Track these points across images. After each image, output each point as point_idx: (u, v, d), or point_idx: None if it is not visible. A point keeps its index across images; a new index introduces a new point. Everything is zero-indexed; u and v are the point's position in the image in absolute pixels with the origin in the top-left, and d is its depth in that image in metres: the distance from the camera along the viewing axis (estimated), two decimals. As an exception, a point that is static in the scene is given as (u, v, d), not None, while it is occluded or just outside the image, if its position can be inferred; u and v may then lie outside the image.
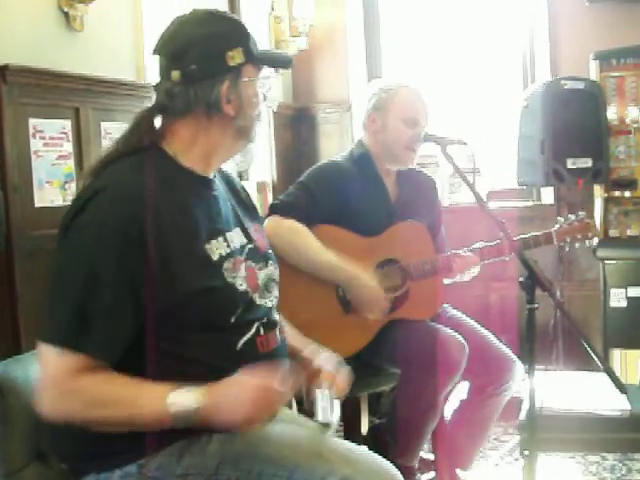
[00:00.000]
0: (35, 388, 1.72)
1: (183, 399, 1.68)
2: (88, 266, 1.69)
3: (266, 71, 1.97)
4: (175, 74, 1.85)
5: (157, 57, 1.91)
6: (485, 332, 3.11)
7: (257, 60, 1.91)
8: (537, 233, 3.07)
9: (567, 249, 3.19)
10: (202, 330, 1.77)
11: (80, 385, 1.68)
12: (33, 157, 2.73)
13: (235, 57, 1.86)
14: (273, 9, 4.70)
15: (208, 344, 1.76)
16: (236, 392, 1.72)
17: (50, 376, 1.69)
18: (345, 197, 2.96)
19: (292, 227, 2.86)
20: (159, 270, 1.72)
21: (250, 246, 1.97)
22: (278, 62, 2.05)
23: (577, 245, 3.11)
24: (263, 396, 1.72)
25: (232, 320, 1.82)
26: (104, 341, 1.71)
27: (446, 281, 3.08)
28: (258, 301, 1.92)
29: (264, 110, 2.02)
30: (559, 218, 3.13)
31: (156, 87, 1.92)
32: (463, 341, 2.88)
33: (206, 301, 1.78)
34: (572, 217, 3.10)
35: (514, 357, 3.03)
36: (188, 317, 1.76)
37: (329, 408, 1.88)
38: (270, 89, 2.01)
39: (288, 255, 2.73)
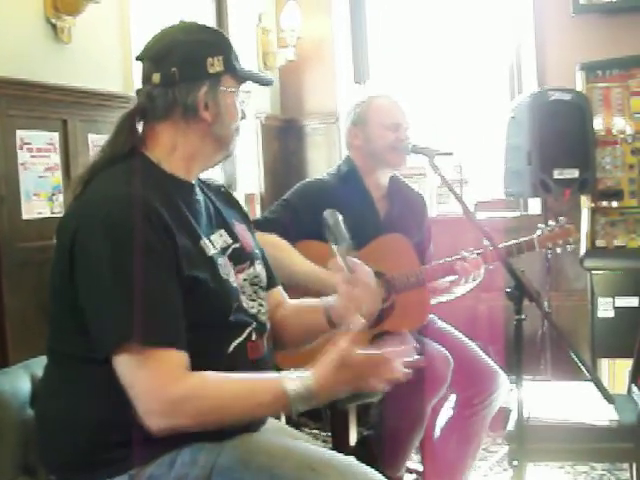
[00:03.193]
0: (139, 408, 1.66)
1: (297, 384, 1.70)
2: (128, 266, 1.68)
3: (246, 86, 1.99)
4: (156, 77, 1.88)
5: (141, 63, 1.94)
6: (471, 344, 3.12)
7: (236, 72, 1.95)
8: (519, 240, 3.08)
9: (549, 255, 3.20)
10: (198, 327, 1.76)
11: (186, 392, 1.67)
12: (20, 169, 2.72)
13: (215, 65, 1.89)
14: (261, 20, 4.72)
15: (200, 344, 1.74)
16: (346, 371, 1.73)
17: (151, 387, 1.65)
18: None
19: (274, 242, 2.86)
20: (173, 259, 1.74)
21: (235, 246, 1.99)
22: (257, 78, 2.08)
23: (559, 250, 3.13)
24: (374, 367, 1.75)
25: (230, 317, 1.84)
26: (180, 330, 1.71)
27: (442, 298, 3.09)
28: (245, 304, 1.93)
29: (244, 125, 2.04)
30: (540, 225, 3.14)
31: (138, 91, 1.95)
32: (448, 355, 2.89)
33: (207, 295, 1.79)
34: (553, 224, 3.12)
35: (498, 369, 3.04)
36: (189, 313, 1.76)
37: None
38: (247, 106, 2.05)
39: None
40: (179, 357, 1.69)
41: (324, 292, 2.85)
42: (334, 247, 2.00)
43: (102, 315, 1.69)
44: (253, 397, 1.72)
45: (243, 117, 2.00)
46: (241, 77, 1.97)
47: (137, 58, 1.95)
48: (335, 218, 2.04)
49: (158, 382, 1.66)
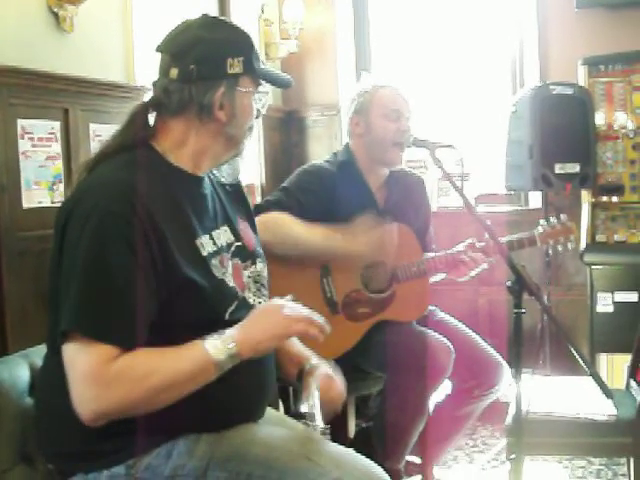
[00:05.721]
0: (73, 395, 1.66)
1: (219, 344, 1.72)
2: (101, 257, 1.68)
3: (264, 87, 1.99)
4: (173, 72, 1.87)
5: (160, 54, 1.93)
6: (473, 335, 3.12)
7: (256, 74, 1.94)
8: (521, 236, 3.08)
9: (550, 251, 3.21)
10: (195, 327, 1.76)
11: (118, 367, 1.65)
12: (21, 158, 2.72)
13: (234, 65, 1.88)
14: (263, 12, 4.70)
15: None
16: (262, 314, 1.83)
17: (86, 373, 1.65)
18: (328, 201, 2.97)
19: (275, 217, 2.86)
20: (159, 258, 1.73)
21: (238, 244, 1.99)
22: (277, 81, 2.05)
23: (560, 248, 3.13)
24: (289, 308, 1.84)
25: (226, 317, 1.83)
26: (131, 329, 1.69)
27: (437, 277, 3.11)
28: (252, 300, 1.93)
29: (256, 125, 2.03)
30: (541, 221, 3.14)
31: (154, 83, 1.94)
32: (450, 345, 2.89)
33: (198, 295, 1.78)
34: (554, 220, 3.12)
35: (501, 360, 3.04)
36: (181, 312, 1.76)
37: (315, 407, 1.87)
38: (265, 106, 2.02)
39: (275, 247, 2.71)
40: (119, 352, 1.68)
41: (332, 257, 2.87)
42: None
43: (65, 298, 1.70)
44: (179, 357, 1.71)
45: (258, 116, 2.00)
46: (260, 77, 1.96)
47: (157, 49, 1.94)
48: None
49: (91, 371, 1.64)
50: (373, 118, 3.05)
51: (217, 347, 1.71)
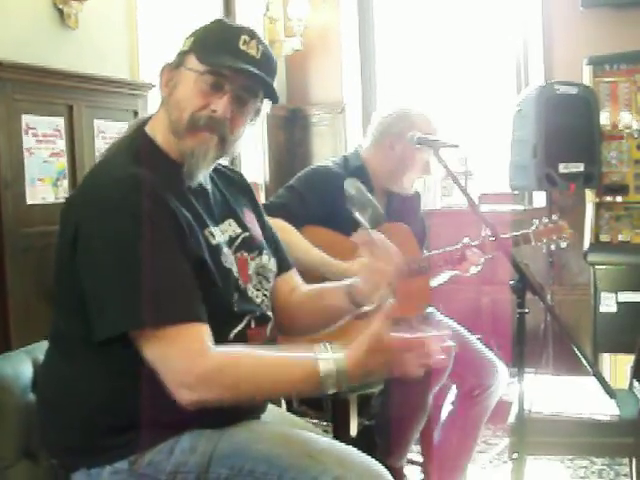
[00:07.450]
0: (172, 386, 1.64)
1: (331, 366, 1.66)
2: (132, 247, 1.66)
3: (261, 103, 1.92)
4: None
5: None
6: (470, 337, 3.14)
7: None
8: (516, 233, 3.09)
9: (544, 250, 3.22)
10: (209, 317, 1.75)
11: (222, 361, 1.66)
12: (25, 154, 2.73)
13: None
14: (268, 9, 4.70)
15: None
16: (379, 355, 1.67)
17: (183, 365, 1.63)
18: (331, 202, 2.96)
19: (280, 226, 2.85)
20: (181, 241, 1.73)
21: (245, 235, 1.97)
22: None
23: (553, 246, 3.15)
24: (408, 352, 1.69)
25: (234, 308, 1.83)
26: (197, 306, 1.70)
27: (438, 280, 3.11)
28: (250, 293, 1.92)
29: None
30: (535, 220, 3.16)
31: None
32: (450, 341, 2.90)
33: (208, 282, 1.77)
34: (546, 220, 3.14)
35: (497, 361, 3.05)
36: None
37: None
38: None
39: None
40: (202, 330, 1.67)
41: (328, 278, 2.87)
42: (359, 216, 1.96)
43: (108, 301, 1.67)
44: (286, 372, 1.69)
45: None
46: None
47: None
48: (357, 186, 1.99)
49: (189, 357, 1.63)
50: (409, 156, 3.04)
51: (329, 371, 1.66)
